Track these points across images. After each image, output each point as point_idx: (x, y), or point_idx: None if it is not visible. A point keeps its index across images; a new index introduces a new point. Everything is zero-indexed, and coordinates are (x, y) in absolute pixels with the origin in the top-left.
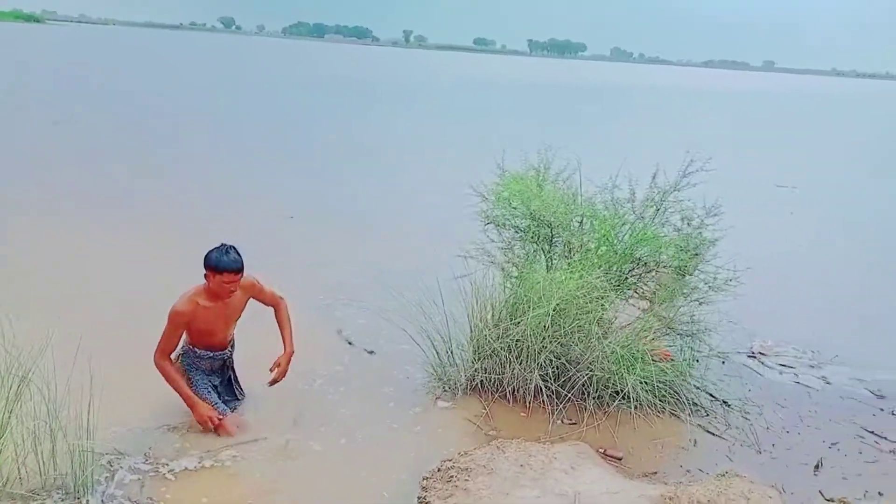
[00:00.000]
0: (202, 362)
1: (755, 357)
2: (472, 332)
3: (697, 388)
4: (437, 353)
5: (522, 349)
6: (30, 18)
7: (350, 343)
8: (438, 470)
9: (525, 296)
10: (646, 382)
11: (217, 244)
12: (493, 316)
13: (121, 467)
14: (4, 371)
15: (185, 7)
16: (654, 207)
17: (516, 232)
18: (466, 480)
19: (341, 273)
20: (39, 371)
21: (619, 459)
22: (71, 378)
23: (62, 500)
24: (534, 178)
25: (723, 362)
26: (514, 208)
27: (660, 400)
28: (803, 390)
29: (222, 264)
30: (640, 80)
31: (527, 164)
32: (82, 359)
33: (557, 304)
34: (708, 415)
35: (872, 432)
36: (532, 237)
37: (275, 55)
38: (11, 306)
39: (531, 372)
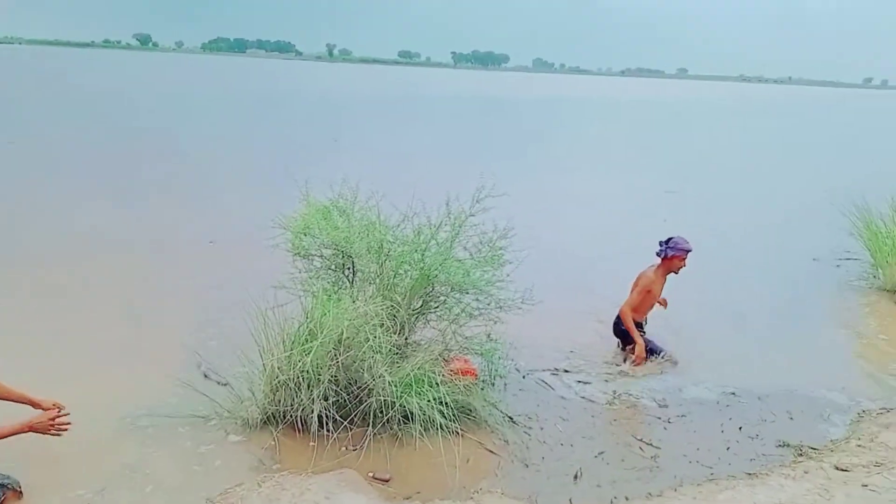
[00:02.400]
0: None
1: (557, 374)
2: (263, 363)
3: (489, 405)
4: (232, 387)
5: (309, 379)
6: None
7: (206, 376)
8: None
9: (308, 326)
10: (444, 403)
11: None
12: (284, 347)
13: None
14: None
15: (98, 23)
16: (455, 231)
17: (323, 261)
18: None
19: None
20: None
21: (386, 482)
22: None
23: None
24: (333, 207)
25: (523, 377)
26: (315, 238)
27: (446, 419)
28: (589, 404)
29: None
30: (559, 91)
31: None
32: None
33: (340, 334)
34: (493, 432)
35: (641, 440)
36: (333, 266)
37: (195, 72)
38: None
39: (315, 401)
